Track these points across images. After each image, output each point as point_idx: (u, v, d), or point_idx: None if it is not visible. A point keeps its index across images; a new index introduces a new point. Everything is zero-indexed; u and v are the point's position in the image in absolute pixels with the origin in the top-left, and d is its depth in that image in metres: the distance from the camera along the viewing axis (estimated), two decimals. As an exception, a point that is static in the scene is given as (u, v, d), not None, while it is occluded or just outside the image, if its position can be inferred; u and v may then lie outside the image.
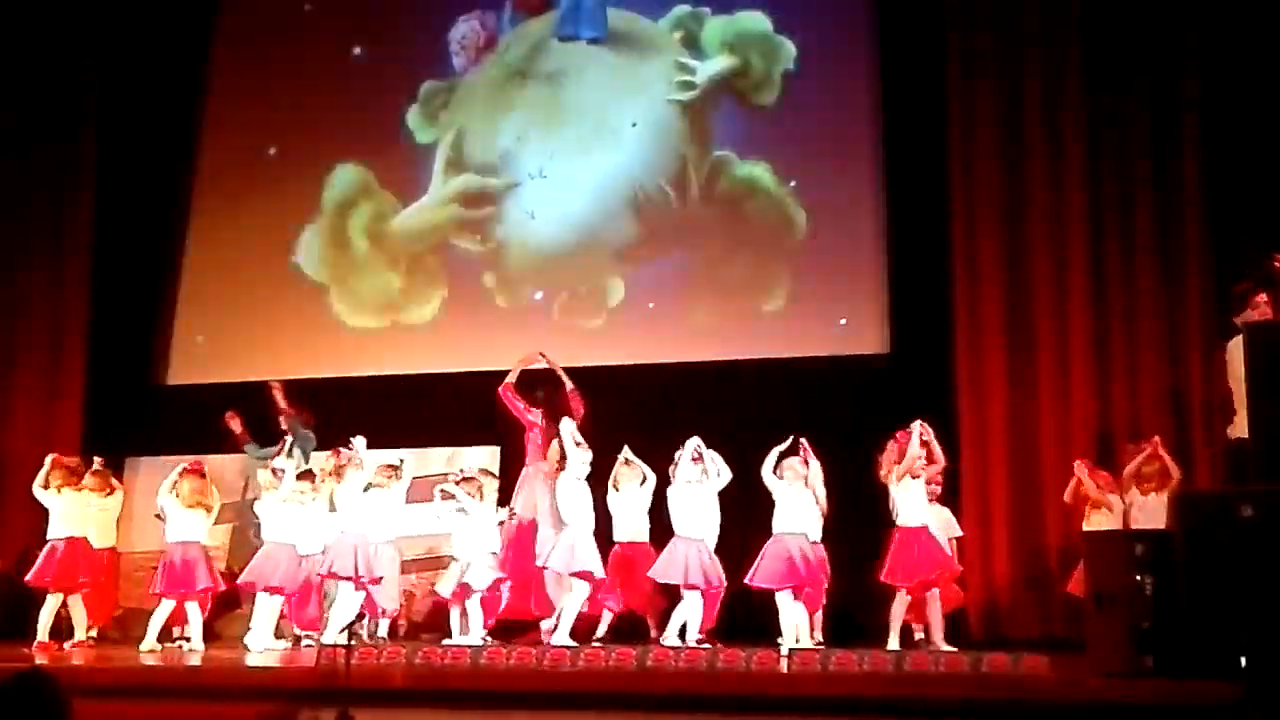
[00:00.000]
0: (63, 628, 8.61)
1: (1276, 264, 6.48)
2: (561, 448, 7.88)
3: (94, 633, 8.87)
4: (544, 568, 7.82)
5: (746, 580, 7.51)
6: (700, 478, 7.75)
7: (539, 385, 8.57)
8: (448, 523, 8.19)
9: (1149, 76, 8.56)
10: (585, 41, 10.41)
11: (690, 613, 7.58)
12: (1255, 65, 8.24)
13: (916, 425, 7.55)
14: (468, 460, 9.03)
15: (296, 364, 10.18)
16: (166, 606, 8.27)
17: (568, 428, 7.91)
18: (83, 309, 10.54)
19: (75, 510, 8.73)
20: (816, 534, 7.67)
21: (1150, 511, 7.37)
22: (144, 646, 8.13)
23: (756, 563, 7.50)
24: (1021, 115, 8.85)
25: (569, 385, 8.35)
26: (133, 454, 9.86)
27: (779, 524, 7.55)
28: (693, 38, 10.15)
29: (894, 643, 7.36)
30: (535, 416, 8.37)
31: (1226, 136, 8.30)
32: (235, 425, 9.33)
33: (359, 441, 8.19)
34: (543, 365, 8.50)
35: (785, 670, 6.54)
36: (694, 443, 7.79)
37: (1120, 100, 8.61)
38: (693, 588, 7.57)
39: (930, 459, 7.58)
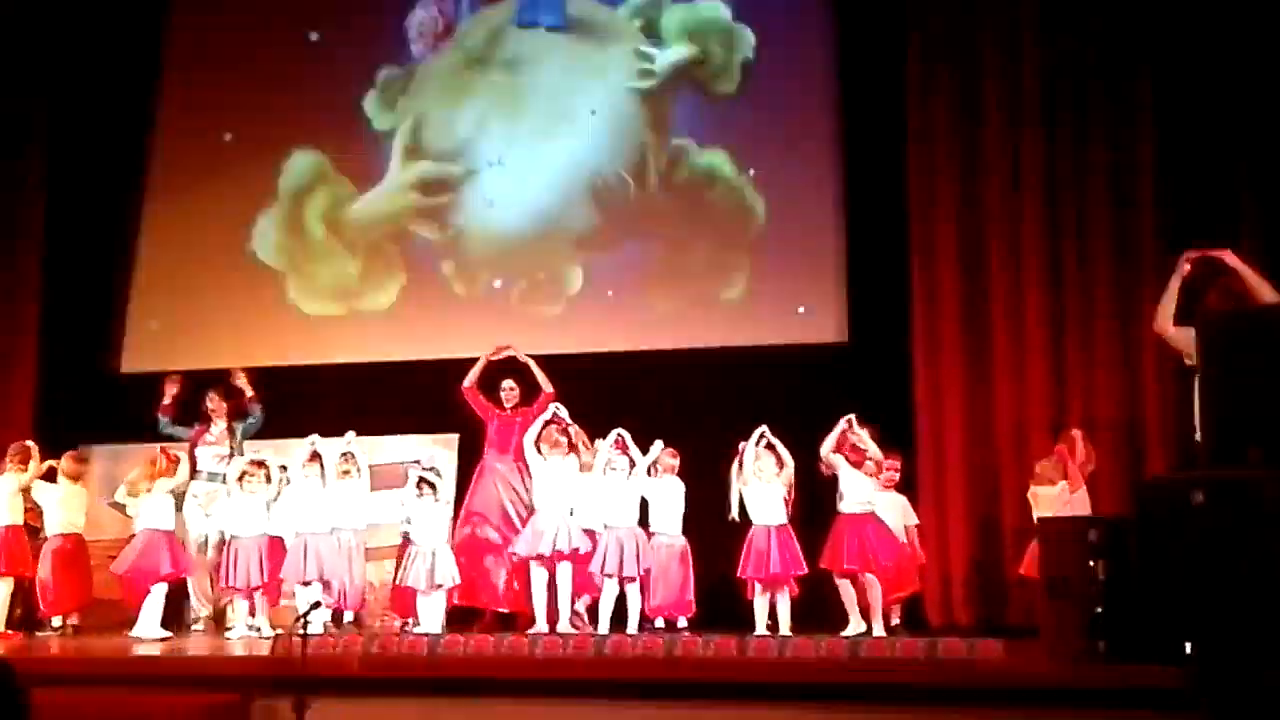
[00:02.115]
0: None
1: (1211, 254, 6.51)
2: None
3: (71, 620, 8.81)
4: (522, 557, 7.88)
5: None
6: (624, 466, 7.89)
7: (507, 375, 8.63)
8: (410, 510, 8.16)
9: (1106, 62, 8.61)
10: (544, 29, 10.36)
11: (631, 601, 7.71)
12: (1208, 52, 8.30)
13: (842, 422, 7.71)
14: (422, 450, 9.01)
15: (253, 351, 10.08)
16: (159, 592, 8.23)
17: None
18: (35, 296, 10.40)
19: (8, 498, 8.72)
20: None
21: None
22: (139, 633, 8.10)
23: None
24: (979, 105, 8.89)
25: (545, 385, 8.47)
26: (85, 441, 9.72)
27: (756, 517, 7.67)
28: (652, 25, 10.12)
29: (853, 628, 7.43)
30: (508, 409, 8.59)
31: (1181, 127, 8.37)
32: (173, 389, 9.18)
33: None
34: (508, 356, 8.64)
35: (746, 655, 6.58)
36: (617, 432, 7.97)
37: (1077, 85, 8.67)
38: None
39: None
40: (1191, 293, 6.37)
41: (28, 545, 8.78)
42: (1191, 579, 5.52)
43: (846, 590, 7.58)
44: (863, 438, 7.71)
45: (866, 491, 7.69)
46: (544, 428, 8.00)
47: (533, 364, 8.59)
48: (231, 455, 8.90)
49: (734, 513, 7.74)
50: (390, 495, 8.54)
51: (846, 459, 7.68)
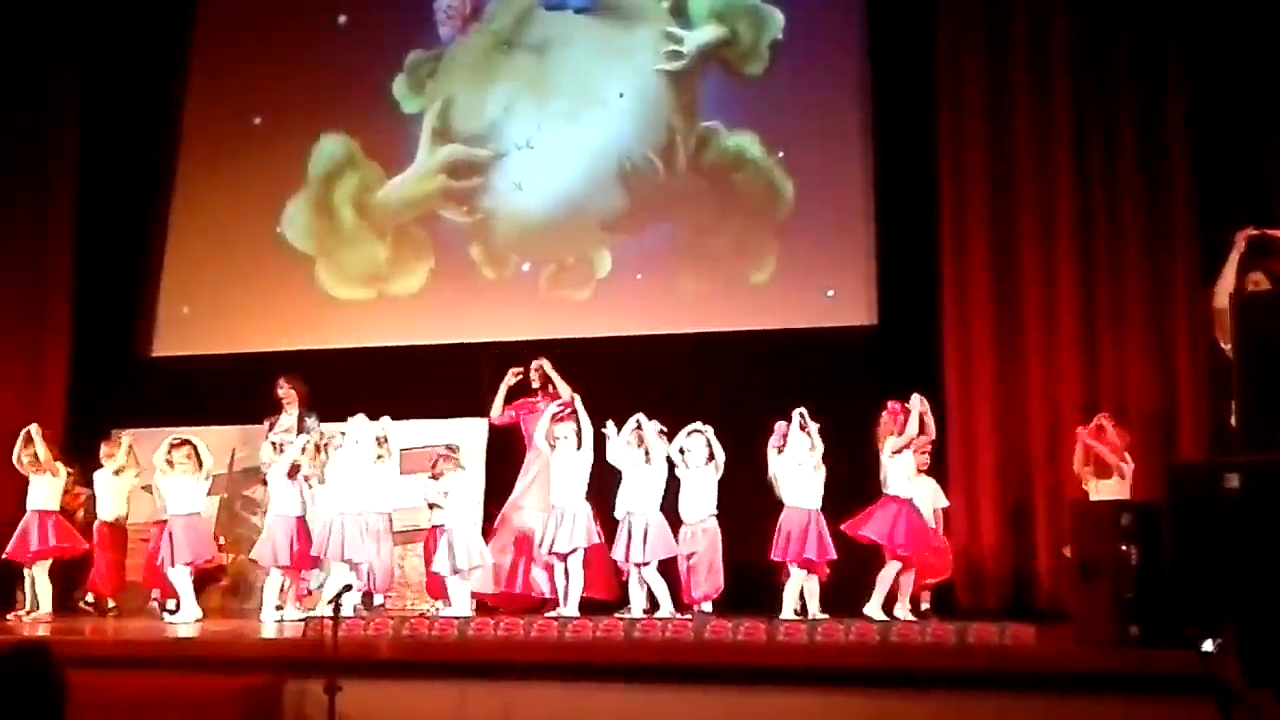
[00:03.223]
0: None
1: (1270, 234, 6.46)
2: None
3: (110, 604, 8.99)
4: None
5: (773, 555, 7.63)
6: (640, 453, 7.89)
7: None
8: (434, 496, 8.23)
9: (1136, 43, 8.53)
10: (572, 10, 10.33)
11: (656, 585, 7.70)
12: (1240, 32, 8.21)
13: (916, 400, 7.66)
14: (442, 435, 9.01)
15: (282, 335, 10.15)
16: (183, 575, 8.36)
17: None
18: (67, 280, 10.47)
19: (50, 484, 8.79)
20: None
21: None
22: (188, 617, 8.26)
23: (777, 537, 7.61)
24: (1009, 86, 8.82)
25: (563, 391, 8.47)
26: (117, 425, 9.81)
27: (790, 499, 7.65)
28: (680, 7, 10.07)
29: (874, 606, 7.43)
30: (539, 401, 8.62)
31: (1212, 107, 8.28)
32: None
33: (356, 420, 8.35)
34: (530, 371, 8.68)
35: (775, 639, 6.57)
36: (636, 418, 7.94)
37: (1107, 68, 8.59)
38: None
39: (922, 430, 7.65)
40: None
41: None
42: (1227, 563, 5.49)
43: (890, 571, 7.56)
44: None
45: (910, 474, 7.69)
46: (552, 421, 8.04)
47: (553, 374, 8.61)
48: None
49: (779, 493, 7.74)
50: (419, 479, 8.56)
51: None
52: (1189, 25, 8.40)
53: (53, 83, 10.66)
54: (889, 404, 7.77)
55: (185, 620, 8.22)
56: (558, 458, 7.98)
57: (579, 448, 7.92)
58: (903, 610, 7.51)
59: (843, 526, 7.63)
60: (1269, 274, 6.28)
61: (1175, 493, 5.80)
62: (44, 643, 3.79)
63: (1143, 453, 7.92)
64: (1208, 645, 4.48)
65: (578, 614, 7.56)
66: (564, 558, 7.79)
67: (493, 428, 9.14)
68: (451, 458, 8.29)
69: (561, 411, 8.13)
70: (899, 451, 7.64)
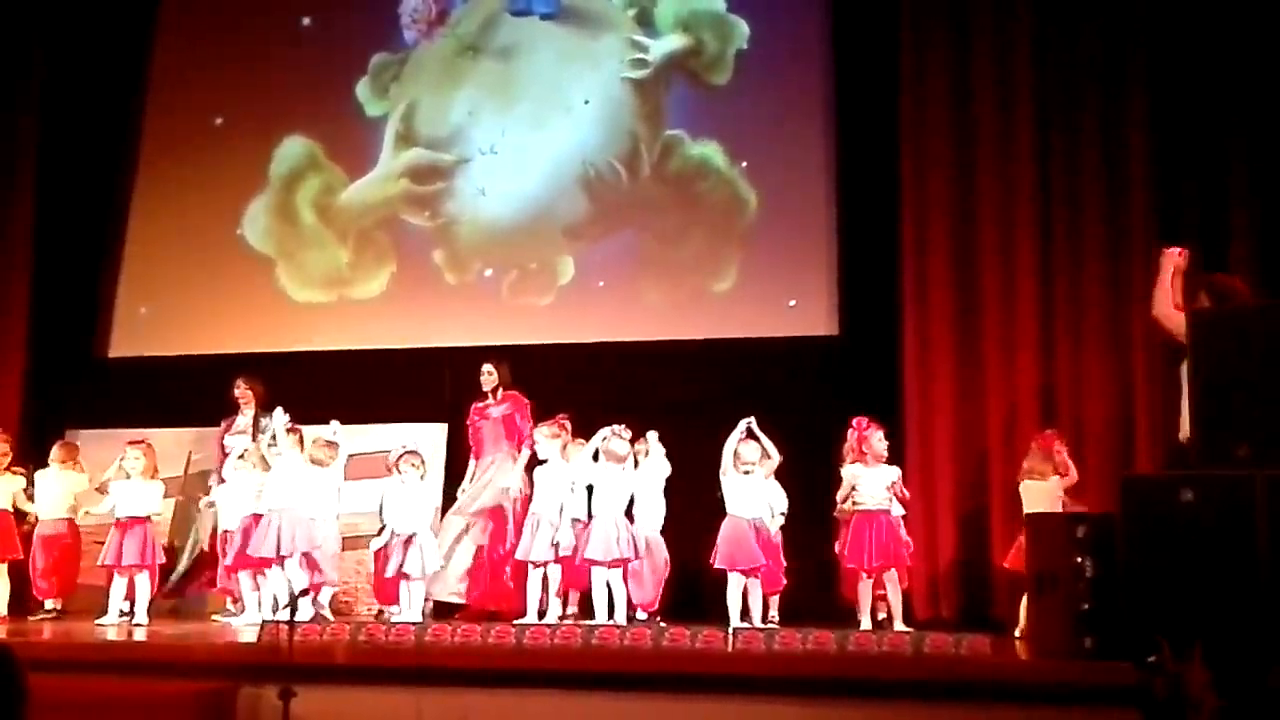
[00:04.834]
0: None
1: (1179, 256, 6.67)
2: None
3: (57, 605, 8.84)
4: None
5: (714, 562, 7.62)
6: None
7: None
8: (387, 497, 8.17)
9: (1099, 56, 8.59)
10: (538, 17, 10.31)
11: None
12: (1202, 36, 8.28)
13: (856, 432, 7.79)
14: (400, 439, 8.97)
15: (241, 338, 10.07)
16: (120, 581, 8.26)
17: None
18: (24, 280, 10.33)
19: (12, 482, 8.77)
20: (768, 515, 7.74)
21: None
22: (104, 620, 8.14)
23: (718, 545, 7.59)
24: (973, 100, 8.87)
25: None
26: (73, 426, 9.72)
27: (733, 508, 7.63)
28: (646, 15, 10.09)
29: (866, 623, 7.48)
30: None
31: (1173, 118, 8.35)
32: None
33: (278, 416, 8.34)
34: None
35: (730, 648, 6.58)
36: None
37: (1071, 78, 8.64)
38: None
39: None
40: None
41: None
42: (1181, 576, 5.56)
43: (866, 588, 7.60)
44: (871, 442, 7.79)
45: (883, 488, 7.73)
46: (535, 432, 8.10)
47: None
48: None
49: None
50: (375, 484, 8.51)
51: (861, 458, 7.71)
52: (1155, 39, 8.43)
53: (11, 78, 10.54)
54: (853, 421, 7.82)
55: (111, 622, 8.14)
56: (546, 469, 7.99)
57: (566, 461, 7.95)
58: (897, 620, 7.62)
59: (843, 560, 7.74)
60: (1213, 290, 6.42)
61: (1130, 506, 5.89)
62: (5, 645, 3.75)
63: (1099, 464, 8.00)
64: (1150, 658, 4.53)
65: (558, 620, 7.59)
66: (541, 565, 7.79)
67: (451, 433, 9.12)
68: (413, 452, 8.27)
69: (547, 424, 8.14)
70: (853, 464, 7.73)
